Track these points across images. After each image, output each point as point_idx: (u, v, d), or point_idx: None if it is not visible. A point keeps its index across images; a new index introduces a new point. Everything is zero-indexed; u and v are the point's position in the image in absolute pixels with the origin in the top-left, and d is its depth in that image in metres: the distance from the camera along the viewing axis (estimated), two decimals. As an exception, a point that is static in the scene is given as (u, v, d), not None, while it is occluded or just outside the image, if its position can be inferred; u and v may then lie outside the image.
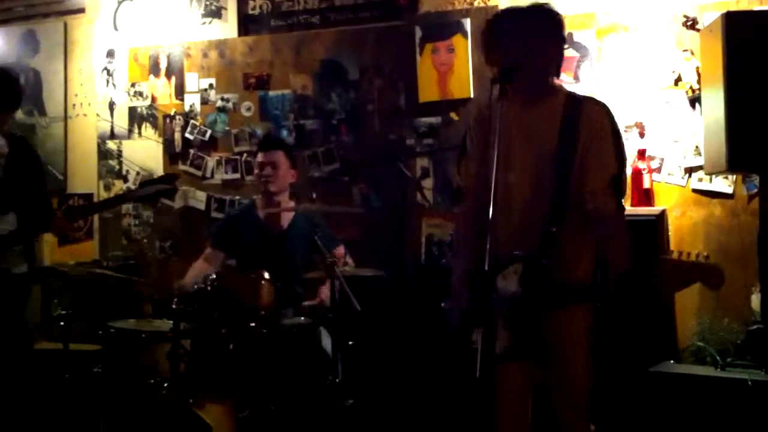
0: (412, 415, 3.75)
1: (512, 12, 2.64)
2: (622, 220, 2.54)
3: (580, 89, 3.94)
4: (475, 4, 4.45)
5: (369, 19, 4.81)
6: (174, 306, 3.35)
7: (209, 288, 3.47)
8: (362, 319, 3.50)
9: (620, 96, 4.12)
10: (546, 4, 2.62)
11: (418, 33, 4.57)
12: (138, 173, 5.15)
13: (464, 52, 4.46)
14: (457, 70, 4.50)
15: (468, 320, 2.53)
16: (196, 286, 3.55)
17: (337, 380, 3.44)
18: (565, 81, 4.18)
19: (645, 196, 3.98)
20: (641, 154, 4.03)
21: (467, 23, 4.45)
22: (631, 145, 4.05)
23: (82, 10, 5.40)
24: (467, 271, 2.58)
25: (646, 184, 4.00)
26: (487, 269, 2.21)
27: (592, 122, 2.49)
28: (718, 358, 3.57)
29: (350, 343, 3.56)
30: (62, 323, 3.66)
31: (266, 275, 3.57)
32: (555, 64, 2.58)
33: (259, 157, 4.07)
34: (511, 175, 2.48)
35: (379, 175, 4.54)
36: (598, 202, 2.45)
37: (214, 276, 3.52)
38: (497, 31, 2.57)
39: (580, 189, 2.47)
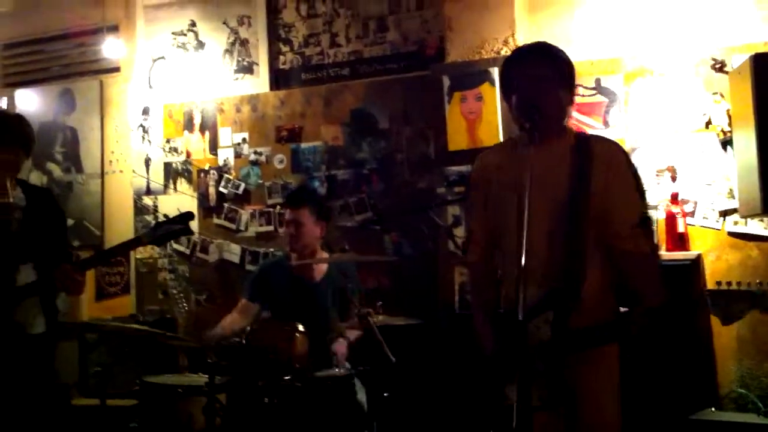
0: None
1: (517, 57, 2.58)
2: (657, 257, 2.52)
3: (609, 134, 3.95)
4: (502, 52, 4.47)
5: (397, 70, 4.89)
6: (209, 360, 3.35)
7: (244, 341, 3.47)
8: (397, 370, 3.47)
9: (651, 140, 4.12)
10: (548, 45, 2.58)
11: (446, 82, 4.61)
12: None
13: (492, 100, 4.48)
14: (486, 118, 4.51)
15: (499, 372, 2.49)
16: (232, 340, 3.56)
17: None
18: (595, 126, 4.20)
19: (680, 241, 3.94)
20: (674, 198, 4.00)
21: (495, 72, 4.47)
22: (663, 189, 4.04)
23: (117, 69, 5.54)
24: (489, 320, 2.56)
25: (681, 229, 3.96)
26: (522, 319, 2.19)
27: (608, 162, 2.46)
28: (760, 404, 3.49)
29: (385, 395, 3.53)
30: (98, 379, 3.67)
31: (300, 327, 3.56)
32: (563, 103, 2.53)
33: (286, 215, 4.10)
34: (527, 220, 2.46)
35: (410, 223, 4.55)
36: (631, 242, 2.41)
37: (249, 329, 3.52)
38: (506, 77, 2.56)
39: (605, 230, 2.44)
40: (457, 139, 4.58)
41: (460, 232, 4.49)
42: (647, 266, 2.46)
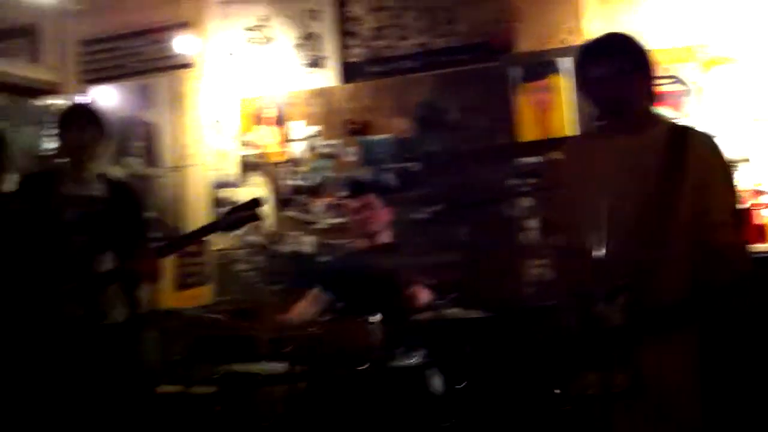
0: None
1: (588, 51, 2.54)
2: (748, 251, 2.49)
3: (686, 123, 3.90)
4: (571, 42, 4.45)
5: (466, 62, 4.90)
6: (287, 349, 3.45)
7: (320, 331, 3.56)
8: (471, 362, 3.51)
9: (728, 129, 4.05)
10: (619, 36, 2.53)
11: (515, 73, 4.61)
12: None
13: (562, 90, 4.48)
14: (556, 108, 4.51)
15: (578, 360, 2.50)
16: (307, 330, 3.65)
17: (449, 424, 3.45)
18: (671, 115, 4.15)
19: (758, 233, 3.88)
20: (754, 189, 3.94)
21: (564, 62, 4.46)
22: (742, 179, 3.97)
23: (190, 65, 5.65)
24: (571, 307, 2.57)
25: (760, 221, 3.90)
26: (597, 306, 2.21)
27: (702, 156, 2.42)
28: None
29: (460, 386, 3.57)
30: (181, 367, 3.79)
31: (374, 318, 3.63)
32: (646, 92, 2.49)
33: (353, 203, 4.17)
34: (611, 209, 2.46)
35: (481, 215, 4.56)
36: (723, 235, 2.38)
37: (324, 319, 3.61)
38: (579, 73, 2.55)
39: (696, 224, 2.40)
40: (527, 129, 4.59)
41: (531, 223, 4.50)
42: (739, 258, 2.42)
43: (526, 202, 4.50)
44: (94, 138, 3.56)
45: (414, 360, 3.66)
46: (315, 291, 4.22)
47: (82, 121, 3.57)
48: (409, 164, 4.94)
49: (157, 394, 3.99)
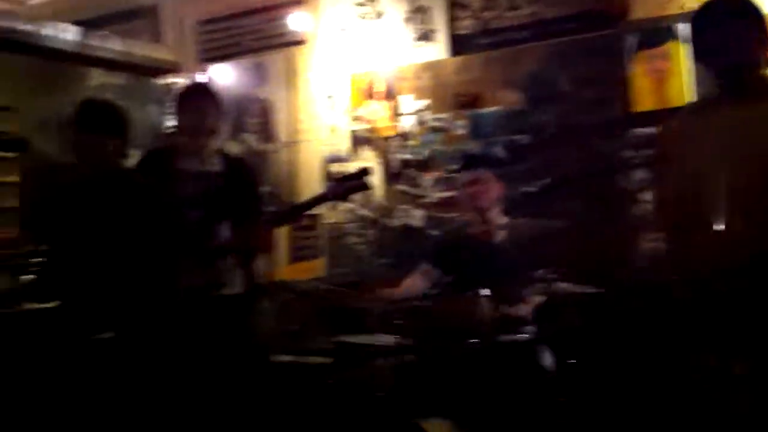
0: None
1: (705, 15, 2.48)
2: None
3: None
4: (686, 7, 4.27)
5: (578, 30, 4.77)
6: (397, 321, 3.50)
7: (430, 305, 3.60)
8: (581, 338, 3.47)
9: None
10: None
11: (630, 41, 4.48)
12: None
13: (680, 57, 4.32)
14: (673, 76, 4.36)
15: (695, 342, 2.43)
16: (414, 303, 3.69)
17: (561, 399, 3.43)
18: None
19: None
20: None
21: (682, 28, 4.30)
22: None
23: (303, 42, 5.75)
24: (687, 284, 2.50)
25: None
26: (716, 287, 2.15)
27: None
28: None
29: (571, 361, 3.54)
30: (295, 338, 3.92)
31: (484, 292, 3.63)
32: (763, 58, 2.41)
33: (466, 176, 4.15)
34: (727, 181, 2.37)
35: (593, 188, 4.48)
36: None
37: (434, 293, 3.64)
38: (696, 33, 2.48)
39: None
40: (643, 99, 4.46)
41: (646, 197, 4.37)
42: None
43: (640, 174, 4.37)
44: (212, 115, 3.71)
45: (524, 335, 3.65)
46: (425, 266, 4.25)
47: (201, 100, 3.73)
48: (519, 137, 4.88)
49: (272, 364, 4.13)
